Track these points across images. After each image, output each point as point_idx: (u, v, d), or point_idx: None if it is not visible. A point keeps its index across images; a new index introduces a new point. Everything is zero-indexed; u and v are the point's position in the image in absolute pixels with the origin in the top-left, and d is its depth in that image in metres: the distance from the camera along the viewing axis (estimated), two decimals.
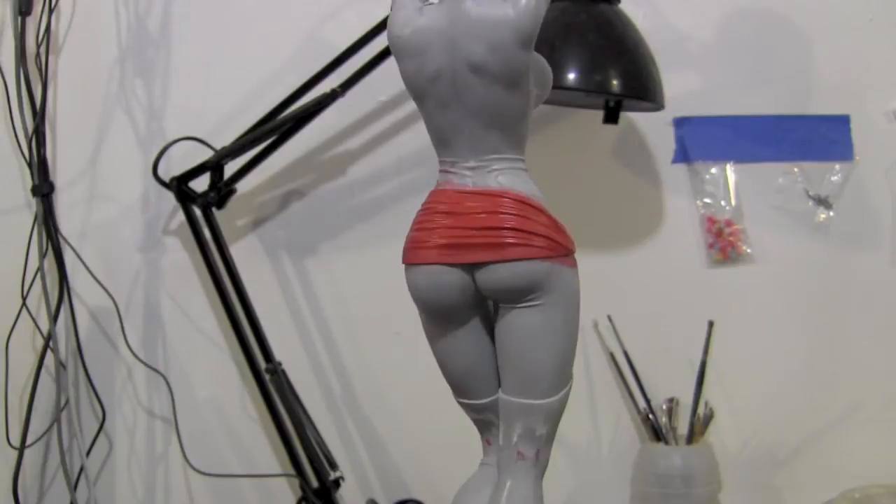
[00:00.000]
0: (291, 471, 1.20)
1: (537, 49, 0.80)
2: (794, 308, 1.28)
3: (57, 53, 1.29)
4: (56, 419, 1.22)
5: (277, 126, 1.16)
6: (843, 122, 1.28)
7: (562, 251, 0.77)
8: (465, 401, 0.84)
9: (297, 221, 1.31)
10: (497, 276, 0.77)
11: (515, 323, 0.79)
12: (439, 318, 0.82)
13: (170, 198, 1.24)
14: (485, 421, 0.83)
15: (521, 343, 0.79)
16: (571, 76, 1.05)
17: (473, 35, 0.76)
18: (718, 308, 1.26)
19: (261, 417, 1.29)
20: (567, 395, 0.80)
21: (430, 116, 0.81)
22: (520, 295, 0.77)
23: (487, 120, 0.78)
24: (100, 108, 1.30)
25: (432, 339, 0.84)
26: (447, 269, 0.79)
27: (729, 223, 1.28)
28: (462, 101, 0.78)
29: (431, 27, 0.78)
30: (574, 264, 0.78)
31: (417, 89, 0.81)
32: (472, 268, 0.78)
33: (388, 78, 1.09)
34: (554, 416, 0.80)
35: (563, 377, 0.80)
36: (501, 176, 0.78)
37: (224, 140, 1.22)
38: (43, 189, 1.24)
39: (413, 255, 0.81)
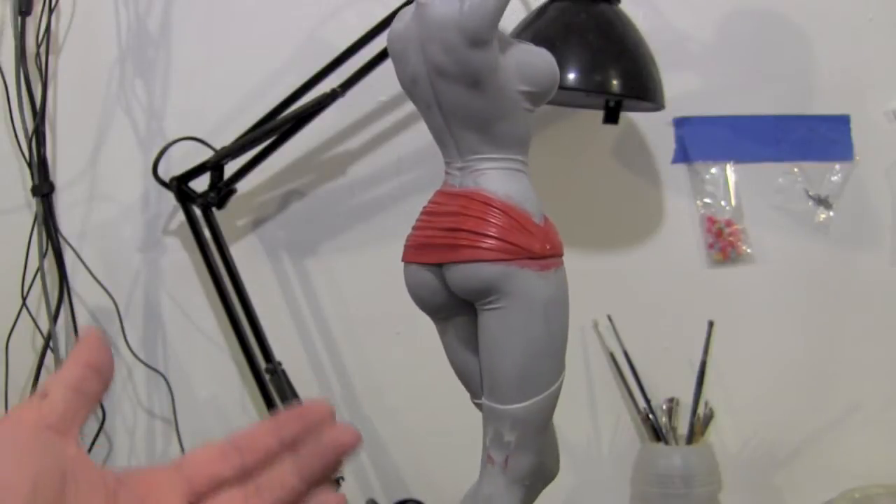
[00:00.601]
0: None
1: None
2: (794, 308, 1.28)
3: (57, 53, 1.29)
4: None
5: (277, 126, 1.16)
6: (843, 122, 1.28)
7: (521, 254, 0.75)
8: (474, 400, 0.84)
9: (297, 221, 1.31)
10: (454, 276, 0.77)
11: (481, 325, 0.78)
12: (433, 315, 0.83)
13: (170, 198, 1.24)
14: None
15: (484, 345, 0.78)
16: (571, 76, 1.05)
17: (431, 37, 0.76)
18: (718, 308, 1.25)
19: (261, 417, 1.28)
20: (542, 405, 0.77)
21: (424, 119, 0.82)
22: (478, 296, 0.77)
23: (462, 121, 0.78)
24: (100, 108, 1.30)
25: (440, 335, 0.84)
26: (420, 268, 0.79)
27: (729, 223, 1.28)
28: (439, 104, 0.78)
29: (408, 33, 0.78)
30: (545, 268, 0.76)
31: (407, 93, 0.81)
32: (439, 268, 0.78)
33: (388, 78, 1.09)
34: (523, 425, 0.77)
35: (530, 385, 0.77)
36: (482, 176, 0.78)
37: (224, 140, 1.22)
38: (43, 189, 1.24)
39: (403, 254, 0.82)
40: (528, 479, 0.79)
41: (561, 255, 0.79)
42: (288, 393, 1.20)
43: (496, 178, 0.77)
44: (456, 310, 0.80)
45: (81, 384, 0.38)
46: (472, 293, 0.77)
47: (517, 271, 0.75)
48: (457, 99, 0.76)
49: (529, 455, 0.79)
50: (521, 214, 0.76)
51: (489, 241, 0.75)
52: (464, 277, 0.76)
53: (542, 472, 0.83)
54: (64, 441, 0.37)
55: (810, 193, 1.28)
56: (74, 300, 1.26)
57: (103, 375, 0.39)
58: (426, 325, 0.85)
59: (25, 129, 1.24)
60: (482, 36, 0.73)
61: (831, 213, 1.28)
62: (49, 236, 1.23)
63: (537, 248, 0.76)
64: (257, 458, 0.40)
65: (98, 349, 0.39)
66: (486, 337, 0.77)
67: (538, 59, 0.79)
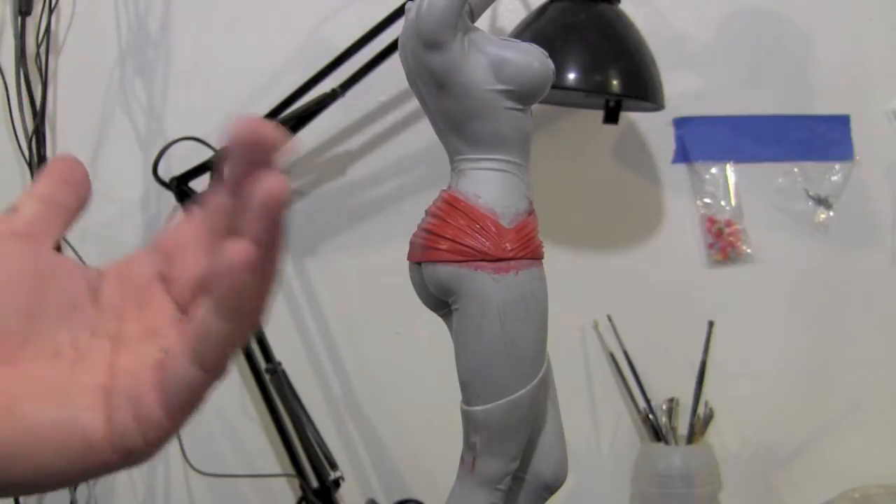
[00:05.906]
0: (291, 471, 1.20)
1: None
2: (793, 308, 1.28)
3: (57, 53, 1.29)
4: None
5: None
6: (843, 122, 1.28)
7: (473, 256, 0.74)
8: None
9: (297, 221, 1.31)
10: (425, 276, 0.78)
11: (451, 325, 0.79)
12: (435, 312, 0.83)
13: (170, 198, 1.24)
14: None
15: (455, 345, 0.78)
16: (571, 76, 1.05)
17: (404, 42, 0.77)
18: (718, 308, 1.26)
19: (261, 417, 1.29)
20: (503, 410, 0.76)
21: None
22: (444, 296, 0.78)
23: (441, 123, 0.79)
24: (100, 108, 1.30)
25: None
26: (413, 266, 0.80)
27: (729, 223, 1.28)
28: (426, 106, 0.79)
29: (402, 37, 0.79)
30: (502, 271, 0.75)
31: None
32: (419, 266, 0.79)
33: (388, 78, 1.10)
34: (485, 428, 0.76)
35: (487, 388, 0.76)
36: (462, 177, 0.78)
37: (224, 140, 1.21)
38: None
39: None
40: (499, 483, 0.78)
41: (534, 257, 0.77)
42: (288, 393, 1.20)
43: (471, 179, 0.77)
44: (447, 308, 0.81)
45: (53, 196, 0.39)
46: (439, 293, 0.78)
47: (470, 273, 0.75)
48: (432, 101, 0.77)
49: (497, 459, 0.77)
50: (482, 215, 0.75)
51: (444, 243, 0.76)
52: (427, 277, 0.78)
53: (540, 479, 0.82)
54: (36, 247, 0.37)
55: (810, 193, 1.28)
56: None
57: (77, 188, 0.40)
58: (426, 325, 0.85)
59: (25, 129, 1.24)
60: (435, 38, 0.73)
61: (831, 213, 1.28)
62: None
63: (493, 251, 0.75)
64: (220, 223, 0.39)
65: (71, 166, 0.40)
66: (453, 337, 0.78)
67: (517, 57, 0.77)
